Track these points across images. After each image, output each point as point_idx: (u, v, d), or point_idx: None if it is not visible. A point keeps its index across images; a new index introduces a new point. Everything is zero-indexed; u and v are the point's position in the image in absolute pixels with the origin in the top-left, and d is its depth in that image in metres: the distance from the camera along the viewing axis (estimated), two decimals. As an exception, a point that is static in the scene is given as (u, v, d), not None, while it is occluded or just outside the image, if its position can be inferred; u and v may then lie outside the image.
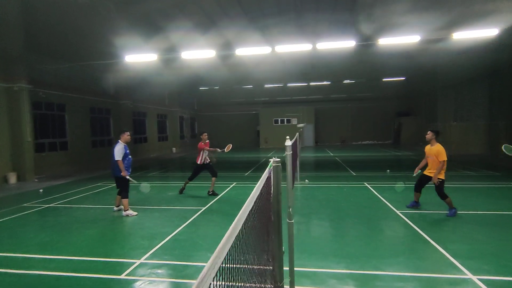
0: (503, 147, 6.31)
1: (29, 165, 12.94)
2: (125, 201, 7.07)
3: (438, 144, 6.56)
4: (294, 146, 8.31)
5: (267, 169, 1.92)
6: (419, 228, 5.78)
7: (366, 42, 11.73)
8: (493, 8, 10.82)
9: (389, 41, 10.95)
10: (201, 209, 7.58)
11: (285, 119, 31.69)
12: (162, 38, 12.94)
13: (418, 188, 7.03)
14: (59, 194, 9.84)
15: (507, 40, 12.01)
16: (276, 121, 31.92)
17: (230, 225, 1.16)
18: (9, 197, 9.68)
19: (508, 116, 16.21)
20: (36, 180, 12.81)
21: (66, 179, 12.88)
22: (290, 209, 3.76)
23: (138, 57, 14.15)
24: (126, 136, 7.09)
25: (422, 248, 4.92)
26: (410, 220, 6.29)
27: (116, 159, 6.83)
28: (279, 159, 1.91)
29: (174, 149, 27.77)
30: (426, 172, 6.74)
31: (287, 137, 3.58)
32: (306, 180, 10.97)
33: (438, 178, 6.37)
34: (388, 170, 12.98)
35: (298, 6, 17.21)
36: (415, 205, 7.16)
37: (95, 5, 15.17)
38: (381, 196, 8.47)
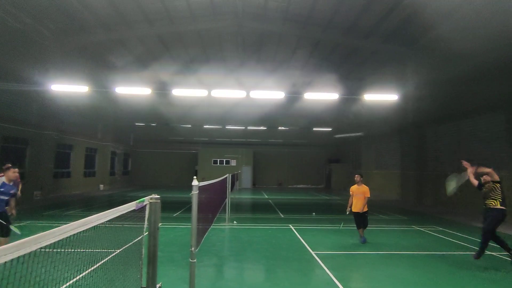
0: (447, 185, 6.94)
1: None
2: (4, 240, 6.07)
3: (363, 185, 8.32)
4: (219, 187, 8.45)
5: (136, 203, 2.03)
6: (327, 268, 6.18)
7: (294, 94, 13.08)
8: (396, 78, 13.11)
9: (312, 96, 12.45)
10: (115, 251, 7.02)
11: (224, 160, 31.99)
12: (102, 70, 12.66)
13: (360, 225, 8.27)
14: None
15: (406, 105, 14.46)
16: (215, 162, 31.99)
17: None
18: None
19: (416, 167, 18.78)
20: None
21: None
22: (193, 248, 3.82)
23: (67, 87, 13.46)
24: (11, 173, 6.07)
25: (324, 288, 5.25)
26: (321, 261, 6.69)
27: None
28: (158, 196, 2.04)
29: (101, 186, 25.62)
30: (355, 210, 8.18)
31: (194, 177, 3.75)
32: (235, 222, 11.00)
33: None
34: (314, 213, 13.76)
35: (241, 55, 18.61)
36: (365, 240, 8.26)
37: (30, 31, 14.43)
38: (302, 238, 8.87)
